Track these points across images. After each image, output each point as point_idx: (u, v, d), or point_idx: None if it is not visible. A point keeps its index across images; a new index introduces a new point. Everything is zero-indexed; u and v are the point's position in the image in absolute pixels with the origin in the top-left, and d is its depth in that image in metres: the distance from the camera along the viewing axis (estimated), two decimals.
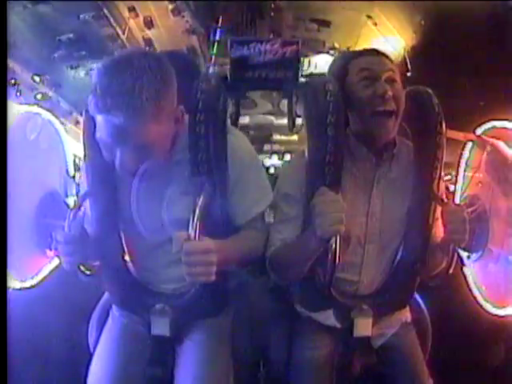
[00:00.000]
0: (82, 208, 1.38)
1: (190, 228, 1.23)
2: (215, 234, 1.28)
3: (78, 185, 1.62)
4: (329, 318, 1.50)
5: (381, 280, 1.51)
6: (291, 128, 1.68)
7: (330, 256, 1.32)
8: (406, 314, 1.58)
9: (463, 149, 1.97)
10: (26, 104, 2.06)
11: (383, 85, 1.37)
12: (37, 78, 2.54)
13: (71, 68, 2.92)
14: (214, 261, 1.21)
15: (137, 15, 2.80)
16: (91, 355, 1.52)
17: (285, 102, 1.70)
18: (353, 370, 1.49)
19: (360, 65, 1.41)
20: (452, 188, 2.05)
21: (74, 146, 2.06)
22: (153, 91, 1.17)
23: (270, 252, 1.44)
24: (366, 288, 1.50)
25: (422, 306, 1.66)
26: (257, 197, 1.44)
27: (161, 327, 1.46)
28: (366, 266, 1.47)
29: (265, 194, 1.46)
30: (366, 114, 1.38)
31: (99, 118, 1.19)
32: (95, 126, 1.23)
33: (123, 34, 2.80)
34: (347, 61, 1.44)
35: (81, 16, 2.69)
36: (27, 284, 2.01)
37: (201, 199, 1.29)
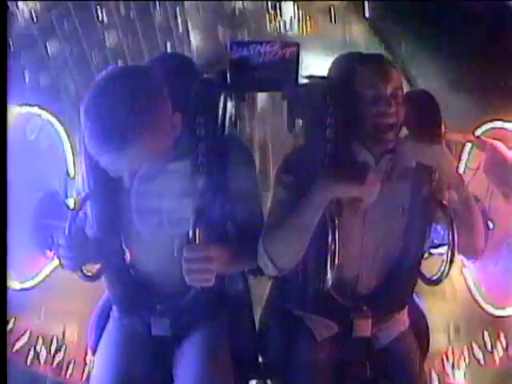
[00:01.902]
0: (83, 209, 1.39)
1: (190, 232, 1.24)
2: (215, 237, 1.29)
3: (78, 186, 1.62)
4: (328, 322, 1.51)
5: (380, 279, 1.51)
6: (290, 129, 1.68)
7: (329, 256, 1.32)
8: (404, 318, 1.58)
9: (462, 150, 1.97)
10: (26, 104, 2.06)
11: (388, 102, 1.36)
12: None
13: None
14: (215, 267, 1.22)
15: None
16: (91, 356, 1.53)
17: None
18: (352, 373, 1.50)
19: (366, 78, 1.37)
20: None
21: (73, 147, 2.06)
22: (140, 121, 1.16)
23: (263, 235, 1.41)
24: (365, 287, 1.50)
25: (421, 306, 1.66)
26: (255, 200, 1.44)
27: (161, 328, 1.46)
28: (365, 264, 1.48)
29: (263, 196, 1.47)
30: (368, 125, 1.38)
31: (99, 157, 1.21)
32: None
33: None
34: (353, 66, 1.40)
35: None
36: (27, 284, 2.01)
37: (200, 202, 1.29)
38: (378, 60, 1.43)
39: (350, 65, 1.43)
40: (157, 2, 3.44)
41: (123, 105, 1.15)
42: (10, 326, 2.00)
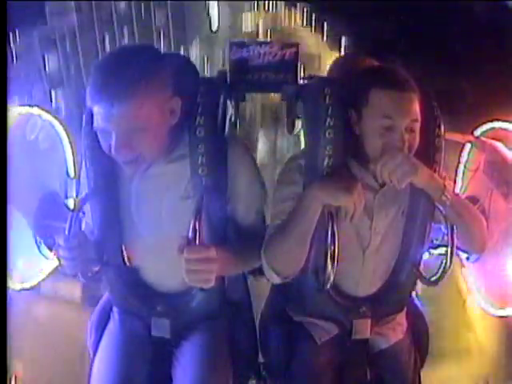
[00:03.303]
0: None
1: (190, 233, 1.24)
2: (215, 238, 1.29)
3: (78, 186, 1.62)
4: (327, 325, 1.51)
5: (380, 282, 1.51)
6: (290, 130, 1.68)
7: (329, 258, 1.32)
8: (403, 321, 1.58)
9: (462, 150, 1.96)
10: (26, 105, 2.05)
11: (402, 137, 1.32)
12: None
13: None
14: (215, 268, 1.22)
15: None
16: (92, 358, 1.53)
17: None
18: (351, 376, 1.50)
19: (382, 107, 1.32)
20: None
21: (74, 147, 2.06)
22: (138, 74, 1.21)
23: (264, 246, 1.42)
24: (366, 289, 1.50)
25: (420, 308, 1.66)
26: (255, 201, 1.44)
27: (161, 328, 1.46)
28: (366, 268, 1.48)
29: (264, 199, 1.47)
30: (375, 152, 1.36)
31: (94, 109, 1.22)
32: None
33: None
34: (369, 86, 1.34)
35: None
36: (27, 285, 2.01)
37: (201, 202, 1.29)
38: (397, 84, 1.34)
39: (363, 83, 1.36)
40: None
41: (126, 64, 1.21)
42: None
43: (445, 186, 1.37)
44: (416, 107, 1.34)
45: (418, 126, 1.35)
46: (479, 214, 1.54)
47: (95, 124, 1.25)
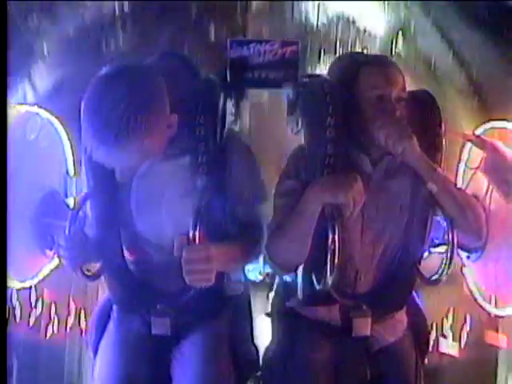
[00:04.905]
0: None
1: (190, 232, 1.24)
2: (215, 236, 1.29)
3: (78, 185, 1.63)
4: (329, 313, 1.50)
5: (379, 278, 1.51)
6: (291, 129, 1.68)
7: (329, 256, 1.32)
8: (403, 318, 1.58)
9: (462, 149, 1.96)
10: (25, 104, 2.05)
11: (392, 106, 1.37)
12: None
13: None
14: (215, 267, 1.23)
15: None
16: (93, 358, 1.53)
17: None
18: (351, 373, 1.50)
19: (371, 79, 1.40)
20: None
21: (73, 146, 2.06)
22: (135, 112, 1.17)
23: (267, 236, 1.43)
24: (364, 286, 1.50)
25: (421, 306, 1.66)
26: (255, 199, 1.44)
27: (161, 327, 1.46)
28: (364, 263, 1.48)
29: (264, 194, 1.47)
30: (369, 127, 1.38)
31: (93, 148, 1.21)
32: None
33: None
34: (358, 66, 1.42)
35: None
36: (27, 284, 2.01)
37: (200, 201, 1.29)
38: (383, 61, 1.44)
39: (353, 65, 1.44)
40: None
41: (121, 101, 1.16)
42: None
43: (435, 168, 1.40)
44: (402, 79, 1.41)
45: (406, 95, 1.41)
46: (472, 198, 1.54)
47: (94, 157, 1.23)
